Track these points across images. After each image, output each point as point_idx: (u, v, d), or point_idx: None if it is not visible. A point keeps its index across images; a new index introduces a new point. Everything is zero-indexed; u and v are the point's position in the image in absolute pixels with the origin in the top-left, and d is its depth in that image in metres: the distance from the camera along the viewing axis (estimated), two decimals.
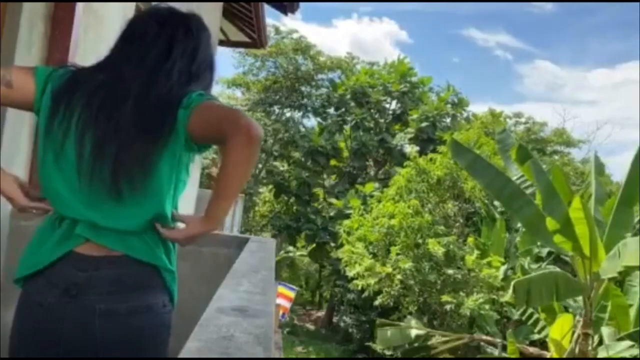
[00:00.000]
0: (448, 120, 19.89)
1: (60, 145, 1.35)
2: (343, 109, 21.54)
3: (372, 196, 15.35)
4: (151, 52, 1.44)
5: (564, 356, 7.01)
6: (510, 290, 6.65)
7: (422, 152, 16.51)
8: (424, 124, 19.09)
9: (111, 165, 1.31)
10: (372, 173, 21.12)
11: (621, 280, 7.92)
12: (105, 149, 1.33)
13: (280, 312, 9.54)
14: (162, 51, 1.45)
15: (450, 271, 11.54)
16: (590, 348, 6.83)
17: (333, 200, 19.59)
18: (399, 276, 11.73)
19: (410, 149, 17.58)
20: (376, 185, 17.18)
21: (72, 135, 1.35)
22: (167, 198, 1.39)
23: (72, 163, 1.34)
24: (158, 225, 1.38)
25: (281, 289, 9.59)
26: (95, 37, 3.07)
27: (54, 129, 1.36)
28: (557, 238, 6.48)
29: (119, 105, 1.35)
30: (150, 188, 1.34)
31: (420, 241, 12.25)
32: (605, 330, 7.50)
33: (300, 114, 24.05)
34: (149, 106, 1.35)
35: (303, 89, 23.33)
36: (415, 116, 19.54)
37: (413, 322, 10.52)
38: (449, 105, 20.27)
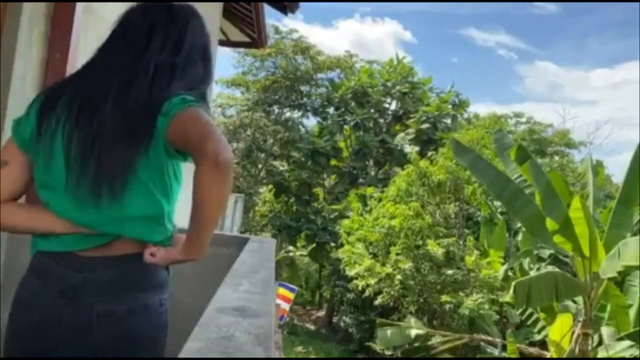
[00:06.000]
0: (448, 121, 19.88)
1: (48, 152, 1.34)
2: (343, 109, 21.52)
3: (372, 197, 15.36)
4: (131, 45, 1.40)
5: (564, 356, 7.01)
6: (511, 291, 6.65)
7: (422, 153, 16.51)
8: (424, 125, 19.08)
9: (93, 170, 1.29)
10: (372, 173, 21.10)
11: (621, 280, 7.92)
12: (89, 153, 1.30)
13: (279, 314, 9.53)
14: (142, 43, 1.39)
15: (450, 271, 11.55)
16: (590, 348, 6.83)
17: (333, 207, 19.51)
18: (398, 276, 11.74)
19: (411, 150, 17.56)
20: (376, 188, 17.17)
21: (60, 141, 1.33)
22: (154, 204, 1.34)
23: (61, 168, 1.32)
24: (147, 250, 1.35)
25: (280, 290, 9.56)
26: (95, 37, 3.06)
27: (41, 137, 1.35)
28: (557, 238, 6.48)
29: (99, 107, 1.32)
30: (131, 194, 1.30)
31: (420, 242, 12.26)
32: (605, 330, 7.50)
33: (300, 113, 24.06)
34: (128, 111, 1.30)
35: (302, 88, 23.31)
36: (416, 116, 19.54)
37: (413, 321, 10.52)
38: (450, 106, 20.26)
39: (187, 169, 1.41)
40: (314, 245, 19.63)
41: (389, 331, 10.25)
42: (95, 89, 1.36)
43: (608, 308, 7.65)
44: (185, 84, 1.39)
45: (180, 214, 1.46)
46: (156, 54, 1.38)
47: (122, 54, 1.40)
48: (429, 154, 15.08)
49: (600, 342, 7.40)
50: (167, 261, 1.37)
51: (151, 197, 1.34)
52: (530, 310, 8.56)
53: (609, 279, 6.56)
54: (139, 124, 1.29)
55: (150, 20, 1.43)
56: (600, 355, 7.13)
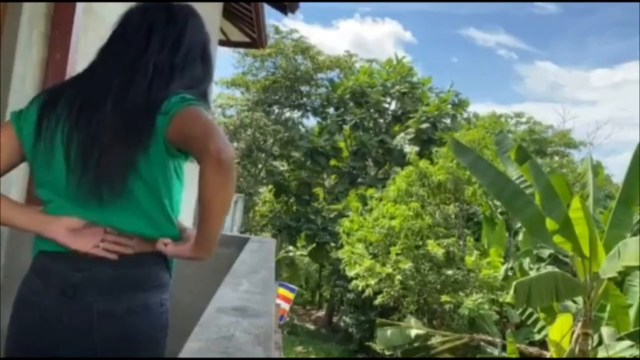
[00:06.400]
0: (448, 120, 19.87)
1: (49, 152, 1.34)
2: (342, 109, 21.52)
3: (372, 197, 15.36)
4: (130, 45, 1.40)
5: (564, 356, 7.01)
6: (511, 291, 6.65)
7: (422, 153, 16.50)
8: (424, 125, 19.06)
9: (93, 171, 1.29)
10: (372, 173, 21.11)
11: (621, 280, 7.92)
12: (88, 154, 1.30)
13: (279, 314, 9.54)
14: (141, 43, 1.39)
15: (449, 272, 11.55)
16: (590, 348, 6.83)
17: (332, 207, 19.51)
18: (398, 276, 11.75)
19: (410, 150, 17.55)
20: (376, 188, 17.17)
21: (60, 141, 1.33)
22: (155, 202, 1.34)
23: (62, 168, 1.33)
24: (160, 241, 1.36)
25: (280, 290, 9.57)
26: (95, 37, 3.06)
27: (41, 135, 1.35)
28: (557, 238, 6.48)
29: (99, 107, 1.32)
30: (133, 193, 1.30)
31: (420, 242, 12.26)
32: (605, 330, 7.50)
33: (300, 113, 24.06)
34: (127, 111, 1.30)
35: (302, 88, 23.31)
36: (415, 116, 19.52)
37: (413, 321, 10.52)
38: (449, 106, 20.25)
39: (189, 170, 1.41)
40: (314, 245, 19.63)
41: (389, 331, 10.25)
42: (96, 90, 1.36)
43: (608, 308, 7.64)
44: (185, 83, 1.39)
45: (184, 213, 1.47)
46: (155, 54, 1.39)
47: (121, 54, 1.40)
48: (432, 150, 15.07)
49: (600, 342, 7.39)
50: (176, 255, 1.38)
51: (152, 196, 1.34)
52: (530, 310, 8.56)
53: (609, 279, 6.56)
54: (138, 124, 1.29)
55: (149, 20, 1.44)
56: (600, 355, 7.13)
